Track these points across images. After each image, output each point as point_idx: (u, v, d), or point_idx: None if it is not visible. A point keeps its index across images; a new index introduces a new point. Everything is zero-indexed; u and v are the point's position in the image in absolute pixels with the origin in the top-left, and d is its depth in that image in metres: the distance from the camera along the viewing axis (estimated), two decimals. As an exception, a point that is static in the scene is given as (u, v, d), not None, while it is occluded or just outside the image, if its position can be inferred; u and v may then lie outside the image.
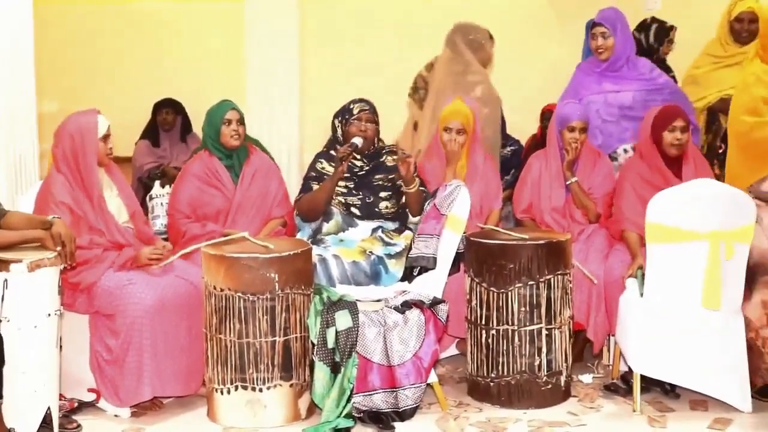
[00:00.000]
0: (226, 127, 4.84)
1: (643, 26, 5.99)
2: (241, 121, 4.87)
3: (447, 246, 4.42)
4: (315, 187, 4.93)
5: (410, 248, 4.53)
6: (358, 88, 6.19)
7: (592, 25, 5.37)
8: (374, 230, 4.87)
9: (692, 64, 5.68)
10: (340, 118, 4.99)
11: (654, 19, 6.13)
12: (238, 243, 4.36)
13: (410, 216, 4.93)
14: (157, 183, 6.54)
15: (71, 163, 4.29)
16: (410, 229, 4.90)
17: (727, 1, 5.72)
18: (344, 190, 4.94)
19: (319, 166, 4.98)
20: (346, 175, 4.92)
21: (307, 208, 4.94)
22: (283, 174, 5.27)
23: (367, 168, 4.97)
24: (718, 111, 5.48)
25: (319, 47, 7.27)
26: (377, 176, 4.97)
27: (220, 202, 4.85)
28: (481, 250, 4.40)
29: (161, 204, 6.38)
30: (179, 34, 7.73)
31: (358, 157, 4.95)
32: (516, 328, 4.33)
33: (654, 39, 6.01)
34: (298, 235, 4.98)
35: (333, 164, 4.91)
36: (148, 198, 6.42)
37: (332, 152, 4.96)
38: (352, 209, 4.92)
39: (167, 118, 7.27)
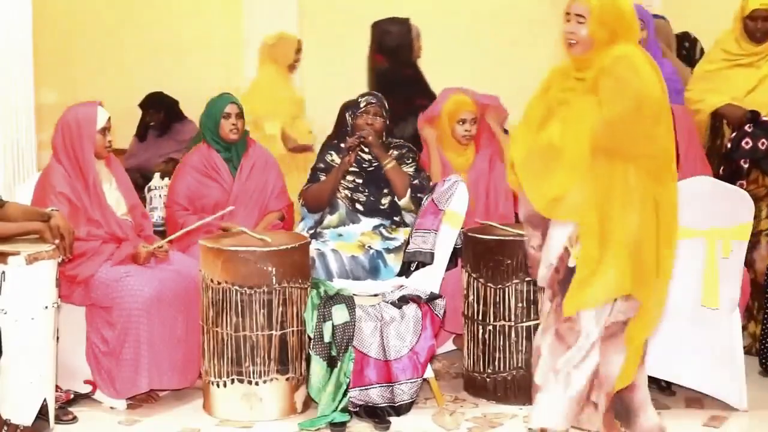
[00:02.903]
0: (226, 120, 4.83)
1: (687, 39, 5.93)
2: (240, 115, 4.86)
3: (444, 241, 4.42)
4: (323, 178, 4.93)
5: (408, 243, 4.53)
6: (358, 82, 6.19)
7: None
8: (375, 227, 4.86)
9: (705, 57, 5.42)
10: (349, 112, 4.98)
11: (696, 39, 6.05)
12: (235, 236, 4.36)
13: (397, 199, 4.91)
14: (156, 174, 6.53)
15: (69, 153, 4.29)
16: (406, 224, 4.89)
17: None
18: (351, 186, 4.93)
19: (328, 158, 4.97)
20: (355, 169, 4.91)
21: (313, 198, 4.94)
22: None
23: (376, 164, 4.96)
24: (722, 114, 5.30)
25: (319, 39, 7.27)
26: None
27: (218, 195, 4.85)
28: (479, 245, 4.40)
29: (159, 196, 6.37)
30: (179, 25, 7.72)
31: (367, 150, 4.95)
32: (513, 324, 4.34)
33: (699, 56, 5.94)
34: (301, 224, 4.99)
35: (342, 156, 4.90)
36: (146, 189, 6.41)
37: (342, 144, 4.94)
38: (357, 205, 4.92)
39: (153, 116, 7.31)
